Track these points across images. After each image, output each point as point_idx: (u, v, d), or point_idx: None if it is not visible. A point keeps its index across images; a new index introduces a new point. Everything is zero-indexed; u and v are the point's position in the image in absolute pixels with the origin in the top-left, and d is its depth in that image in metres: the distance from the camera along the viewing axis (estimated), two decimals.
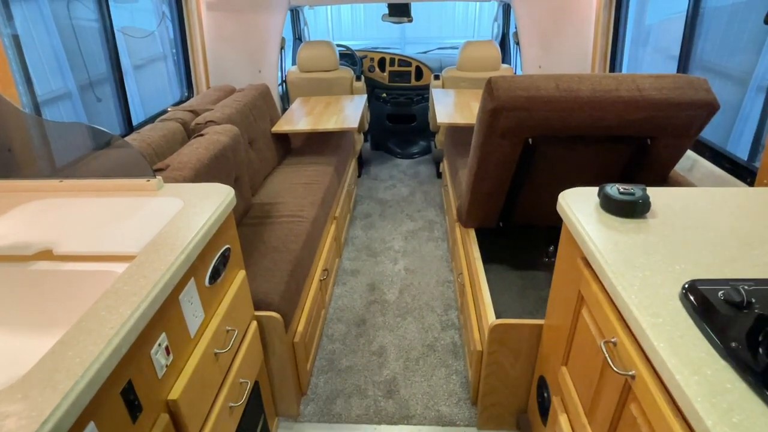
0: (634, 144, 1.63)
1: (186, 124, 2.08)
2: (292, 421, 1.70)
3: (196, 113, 2.19)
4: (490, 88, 1.51)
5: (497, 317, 1.52)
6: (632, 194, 1.04)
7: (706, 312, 0.74)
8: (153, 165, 1.52)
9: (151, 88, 3.39)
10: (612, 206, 1.05)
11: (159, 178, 1.24)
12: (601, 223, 1.03)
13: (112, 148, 1.27)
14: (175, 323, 0.95)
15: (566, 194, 1.18)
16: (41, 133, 1.30)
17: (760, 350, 0.65)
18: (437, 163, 3.75)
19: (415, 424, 1.67)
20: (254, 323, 1.39)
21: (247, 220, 1.98)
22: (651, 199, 1.06)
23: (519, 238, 2.16)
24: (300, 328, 1.67)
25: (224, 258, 1.19)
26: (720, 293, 0.76)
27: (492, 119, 1.53)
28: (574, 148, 1.66)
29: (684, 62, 2.20)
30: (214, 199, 1.17)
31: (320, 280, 2.00)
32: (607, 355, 0.84)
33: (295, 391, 1.66)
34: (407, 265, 2.58)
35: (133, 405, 0.80)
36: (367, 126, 3.77)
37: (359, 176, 3.72)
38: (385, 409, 1.73)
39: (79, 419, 0.66)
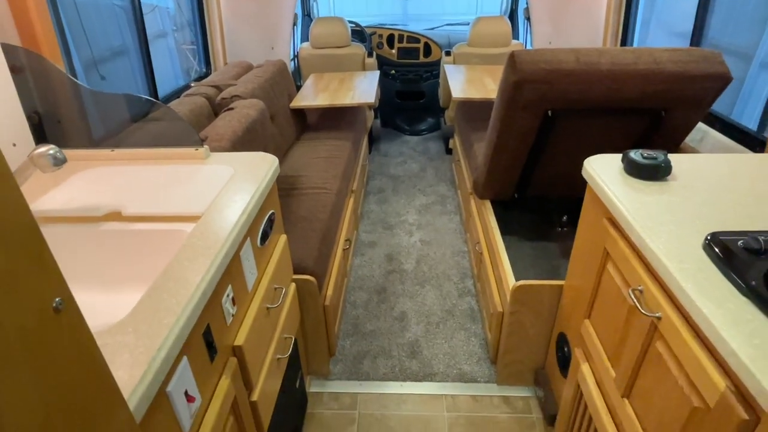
0: (649, 115, 1.70)
1: (211, 99, 2.14)
2: (323, 379, 1.81)
3: (219, 88, 2.25)
4: (513, 61, 1.57)
5: (516, 280, 1.61)
6: (655, 158, 1.12)
7: (728, 258, 0.83)
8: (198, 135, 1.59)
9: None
10: (636, 170, 1.14)
11: (206, 147, 1.31)
12: (626, 185, 1.11)
13: (158, 117, 1.33)
14: (237, 278, 1.04)
15: (591, 160, 1.26)
16: (91, 103, 1.36)
17: None
18: (446, 139, 3.81)
19: (438, 381, 1.79)
20: (293, 285, 1.48)
21: None
22: (672, 164, 1.15)
23: (531, 210, 2.25)
24: (330, 293, 1.76)
25: (270, 222, 1.27)
26: (740, 242, 0.84)
27: (514, 92, 1.59)
28: (590, 120, 1.73)
29: (696, 38, 2.26)
30: (262, 166, 1.24)
31: (344, 249, 2.09)
32: (635, 301, 0.94)
33: (326, 351, 1.77)
34: (422, 237, 2.67)
35: (211, 346, 0.89)
36: (377, 103, 3.82)
37: (369, 153, 3.79)
38: (410, 368, 1.84)
39: (178, 353, 0.75)
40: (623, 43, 2.79)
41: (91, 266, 1.04)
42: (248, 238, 1.11)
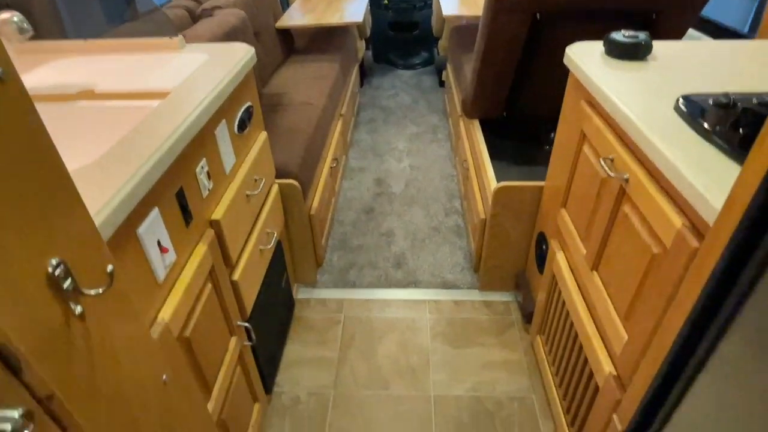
0: (640, 20, 1.66)
1: (191, 11, 2.07)
2: (310, 287, 1.86)
3: (199, 2, 2.17)
4: None
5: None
6: (636, 37, 1.10)
7: (697, 113, 0.83)
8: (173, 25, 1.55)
9: None
10: (616, 50, 1.12)
11: (181, 36, 1.28)
12: (606, 66, 1.10)
13: (134, 10, 1.29)
14: (213, 155, 1.04)
15: (573, 46, 1.24)
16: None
17: (741, 130, 0.74)
18: (440, 72, 3.73)
19: (422, 288, 1.84)
20: (276, 186, 1.49)
21: None
22: (654, 46, 1.13)
23: (520, 131, 2.23)
24: (315, 203, 1.78)
25: (248, 113, 1.26)
26: (710, 100, 0.84)
27: None
28: (579, 28, 1.68)
29: None
30: (237, 54, 1.22)
31: (331, 167, 2.09)
32: (606, 169, 0.95)
33: (313, 261, 1.80)
34: (412, 163, 2.66)
35: (185, 210, 0.91)
36: (368, 33, 3.71)
37: (361, 86, 3.71)
38: (395, 277, 1.89)
39: (146, 199, 0.76)
40: None
41: (62, 142, 1.04)
42: (224, 121, 1.10)
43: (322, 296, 1.81)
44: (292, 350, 1.61)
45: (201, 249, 0.95)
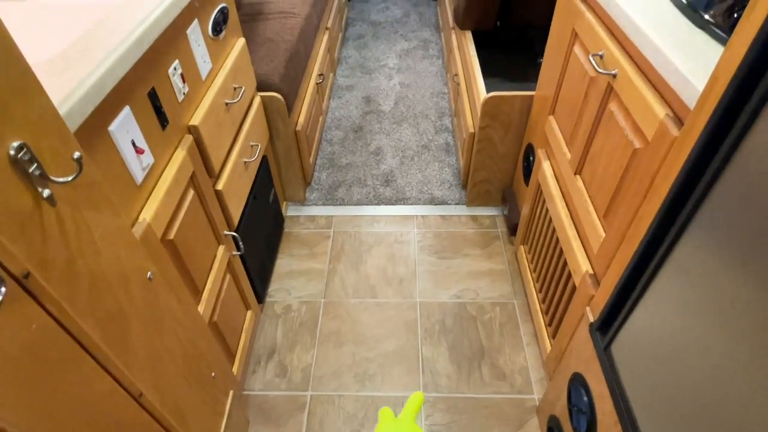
0: None
1: None
2: (299, 204, 1.87)
3: None
4: None
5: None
6: None
7: (701, 4, 0.78)
8: None
9: None
10: None
11: None
12: None
13: None
14: (186, 57, 0.99)
15: None
16: None
17: (735, 15, 0.71)
18: None
19: (411, 204, 1.85)
20: (258, 97, 1.44)
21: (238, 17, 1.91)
22: None
23: (513, 44, 2.14)
24: (301, 119, 1.74)
25: (223, 14, 1.19)
26: None
27: None
28: None
29: None
30: None
31: (317, 84, 2.02)
32: (594, 65, 0.91)
33: (300, 179, 1.79)
34: (402, 80, 2.58)
35: (160, 112, 0.88)
36: None
37: (349, 0, 3.50)
38: (384, 194, 1.90)
39: (114, 95, 0.73)
40: None
41: (18, 37, 0.98)
42: (196, 20, 1.04)
43: (312, 213, 1.83)
44: (283, 263, 1.65)
45: (180, 154, 0.94)
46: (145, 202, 0.83)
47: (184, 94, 0.98)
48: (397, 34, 3.03)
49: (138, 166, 0.80)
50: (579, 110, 1.04)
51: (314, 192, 1.92)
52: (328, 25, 2.40)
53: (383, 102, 2.41)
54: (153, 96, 0.86)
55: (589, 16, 0.99)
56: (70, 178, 0.53)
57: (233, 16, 1.28)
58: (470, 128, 1.68)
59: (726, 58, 0.52)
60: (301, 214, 1.83)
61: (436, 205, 1.85)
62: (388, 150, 2.11)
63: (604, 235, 0.92)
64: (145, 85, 0.83)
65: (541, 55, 2.11)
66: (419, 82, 2.56)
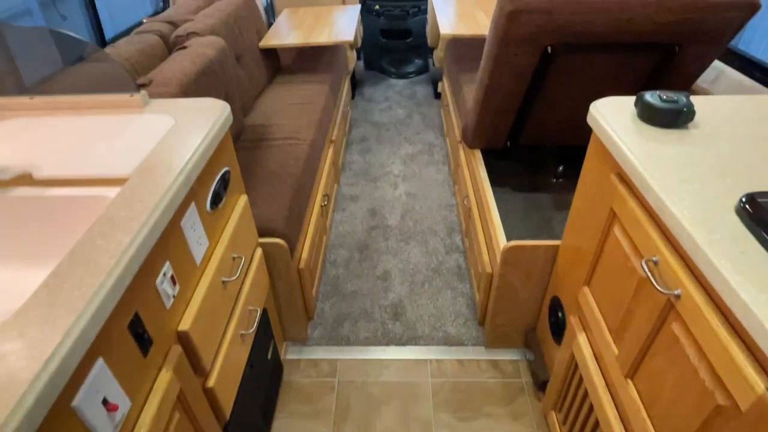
0: (660, 52, 1.50)
1: (165, 36, 1.87)
2: (300, 345, 1.70)
3: (175, 25, 1.97)
4: None
5: (507, 240, 1.48)
6: (675, 102, 0.94)
7: None
8: (134, 81, 1.36)
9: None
10: (652, 115, 0.96)
11: (144, 92, 1.10)
12: (640, 134, 0.94)
13: (87, 61, 1.11)
14: (179, 251, 0.87)
15: (598, 104, 1.08)
16: (3, 43, 1.13)
17: None
18: (435, 82, 3.55)
19: (423, 345, 1.69)
20: (259, 250, 1.32)
21: (241, 143, 1.85)
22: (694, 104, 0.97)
23: (524, 160, 2.09)
24: (305, 254, 1.61)
25: (224, 181, 1.09)
26: None
27: (509, 23, 1.38)
28: (593, 58, 1.53)
29: None
30: (208, 116, 1.04)
31: (321, 206, 1.92)
32: (648, 274, 0.79)
33: (303, 316, 1.64)
34: (408, 190, 2.50)
35: (142, 338, 0.74)
36: (360, 42, 3.51)
37: (353, 98, 3.53)
38: (393, 331, 1.74)
39: (85, 356, 0.60)
40: None
41: None
42: (192, 203, 0.93)
43: (314, 356, 1.66)
44: (281, 425, 1.45)
45: (164, 378, 0.79)
46: None
47: (173, 297, 0.85)
48: (401, 137, 3.01)
49: (109, 426, 0.65)
50: (626, 307, 0.91)
51: (317, 328, 1.76)
52: (333, 137, 2.35)
53: (389, 215, 2.32)
54: (135, 323, 0.72)
55: (633, 204, 0.89)
56: None
57: (235, 175, 1.18)
58: (487, 267, 1.55)
59: None
60: (303, 358, 1.65)
61: (451, 345, 1.68)
62: (396, 274, 1.98)
63: None
64: (124, 317, 0.70)
65: (556, 176, 2.06)
66: (426, 191, 2.48)
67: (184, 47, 1.61)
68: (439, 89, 3.29)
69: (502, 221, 1.55)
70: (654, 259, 0.80)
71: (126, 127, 1.01)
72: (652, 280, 0.78)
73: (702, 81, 1.75)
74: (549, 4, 1.33)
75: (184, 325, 0.87)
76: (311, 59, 2.69)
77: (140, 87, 1.15)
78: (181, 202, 0.84)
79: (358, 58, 3.49)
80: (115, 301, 0.64)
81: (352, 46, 3.36)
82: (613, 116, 1.01)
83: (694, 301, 0.70)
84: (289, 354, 1.67)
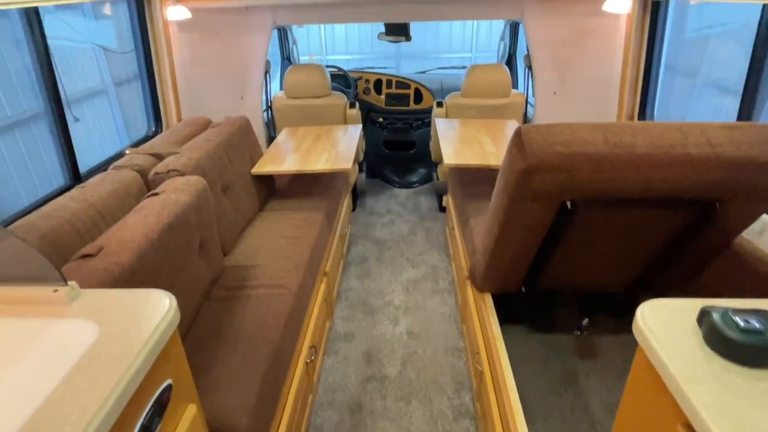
0: (698, 208, 1.30)
1: (144, 172, 1.73)
2: None
3: (158, 157, 1.85)
4: (521, 141, 1.18)
5: (527, 420, 1.20)
6: (761, 333, 0.70)
7: None
8: (82, 247, 1.16)
9: (86, 135, 2.89)
10: (728, 349, 0.71)
11: (71, 285, 0.88)
12: (716, 379, 0.68)
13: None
14: None
15: (646, 310, 0.83)
16: None
17: None
18: (439, 195, 3.42)
19: None
20: None
21: (216, 291, 1.62)
22: None
23: (542, 305, 1.84)
24: None
25: (160, 405, 0.83)
26: None
27: (523, 180, 1.20)
28: (621, 212, 1.33)
29: (750, 98, 1.87)
30: (147, 319, 0.81)
31: (306, 363, 1.64)
32: None
33: None
34: (410, 327, 2.22)
35: None
36: (362, 156, 3.43)
37: (353, 210, 3.38)
38: None
39: None
40: (643, 97, 2.42)
41: None
42: None
43: None
44: None
45: None
46: None
47: None
48: (404, 258, 2.79)
49: None
50: None
51: None
52: (327, 270, 2.13)
53: (388, 362, 2.02)
54: None
55: None
56: None
57: (183, 384, 0.92)
58: None
59: None
60: None
61: None
62: None
63: None
64: None
65: (578, 328, 1.79)
66: (430, 329, 2.20)
67: (156, 194, 1.44)
68: (444, 203, 3.14)
69: (518, 371, 1.28)
70: None
71: (32, 343, 0.78)
72: None
73: (747, 233, 1.53)
74: (568, 161, 1.16)
75: None
76: (308, 181, 2.56)
77: (83, 259, 0.93)
78: None
79: (360, 170, 3.40)
80: None
81: (354, 160, 3.28)
82: (670, 337, 0.76)
83: None
84: None
